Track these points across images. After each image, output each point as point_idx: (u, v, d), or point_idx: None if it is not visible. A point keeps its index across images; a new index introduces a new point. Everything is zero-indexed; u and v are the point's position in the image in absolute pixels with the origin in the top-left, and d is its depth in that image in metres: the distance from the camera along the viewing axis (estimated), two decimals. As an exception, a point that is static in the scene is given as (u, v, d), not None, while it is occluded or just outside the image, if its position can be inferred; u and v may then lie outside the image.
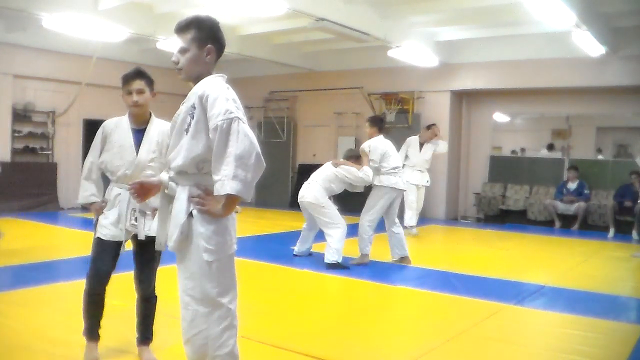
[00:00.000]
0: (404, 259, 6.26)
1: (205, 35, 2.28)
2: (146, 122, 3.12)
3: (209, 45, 2.28)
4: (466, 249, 7.90)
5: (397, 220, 6.29)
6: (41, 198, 10.23)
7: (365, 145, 6.25)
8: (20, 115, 10.02)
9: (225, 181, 2.09)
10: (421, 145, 8.92)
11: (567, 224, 9.94)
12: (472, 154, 11.80)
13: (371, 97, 11.61)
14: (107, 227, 3.04)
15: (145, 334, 3.21)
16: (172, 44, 9.14)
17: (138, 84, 3.05)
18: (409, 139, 9.00)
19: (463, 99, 11.72)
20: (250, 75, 12.60)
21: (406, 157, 8.74)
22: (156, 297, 3.21)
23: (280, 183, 12.57)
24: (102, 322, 3.13)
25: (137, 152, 3.05)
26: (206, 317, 2.22)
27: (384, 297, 5.11)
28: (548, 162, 11.22)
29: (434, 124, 9.27)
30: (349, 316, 4.40)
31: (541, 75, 10.05)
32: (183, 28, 2.30)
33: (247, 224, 8.77)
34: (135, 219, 3.02)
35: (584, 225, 9.80)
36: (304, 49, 11.54)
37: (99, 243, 3.06)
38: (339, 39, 9.60)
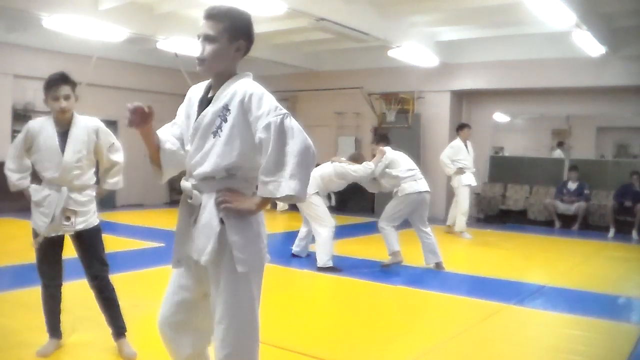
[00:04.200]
0: (438, 264, 6.06)
1: (239, 29, 2.07)
2: (69, 123, 3.14)
3: (240, 41, 2.07)
4: (466, 249, 7.90)
5: (427, 225, 6.09)
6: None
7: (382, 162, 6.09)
8: (20, 115, 10.01)
9: (283, 182, 1.91)
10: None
11: (567, 224, 9.94)
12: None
13: (371, 97, 11.61)
14: (42, 222, 3.07)
15: (116, 325, 3.19)
16: (172, 44, 9.14)
17: (65, 89, 3.03)
18: (455, 142, 8.73)
19: (463, 99, 11.72)
20: (250, 76, 12.58)
21: (456, 161, 8.55)
22: (111, 284, 3.20)
23: (280, 183, 12.53)
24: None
25: (63, 154, 3.06)
26: (237, 335, 2.05)
27: (384, 297, 5.11)
28: (548, 162, 11.22)
29: (465, 124, 9.08)
30: (349, 316, 4.40)
31: (541, 75, 10.04)
32: (216, 16, 2.04)
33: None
34: (67, 218, 3.06)
35: (584, 225, 9.80)
36: (304, 49, 11.53)
37: (37, 245, 3.10)
38: (339, 39, 9.60)
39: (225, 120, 2.02)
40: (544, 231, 9.62)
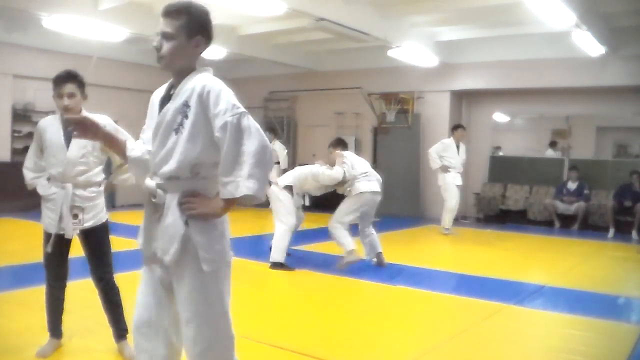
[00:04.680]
0: (379, 255, 6.16)
1: (197, 25, 2.08)
2: None
3: (198, 36, 2.08)
4: (466, 249, 7.90)
5: (371, 227, 6.18)
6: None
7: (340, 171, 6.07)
8: (20, 115, 10.03)
9: (240, 182, 1.94)
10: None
11: (567, 224, 9.94)
12: (472, 154, 11.80)
13: (371, 97, 11.61)
14: (51, 220, 3.11)
15: (118, 327, 3.19)
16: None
17: (69, 87, 3.04)
18: (447, 140, 9.03)
19: (463, 99, 11.72)
20: (250, 75, 12.59)
21: (443, 157, 8.83)
22: (116, 286, 3.20)
23: (280, 183, 12.54)
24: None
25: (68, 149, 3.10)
26: (210, 332, 2.08)
27: (384, 297, 5.11)
28: (548, 162, 11.22)
29: (460, 125, 9.30)
30: (349, 316, 4.40)
31: (541, 75, 10.04)
32: (173, 13, 2.06)
33: (245, 223, 8.77)
34: (75, 216, 3.09)
35: (584, 225, 9.79)
36: (304, 49, 11.53)
37: (46, 245, 3.11)
38: (339, 39, 9.59)
39: (186, 117, 2.03)
40: (544, 231, 9.62)
